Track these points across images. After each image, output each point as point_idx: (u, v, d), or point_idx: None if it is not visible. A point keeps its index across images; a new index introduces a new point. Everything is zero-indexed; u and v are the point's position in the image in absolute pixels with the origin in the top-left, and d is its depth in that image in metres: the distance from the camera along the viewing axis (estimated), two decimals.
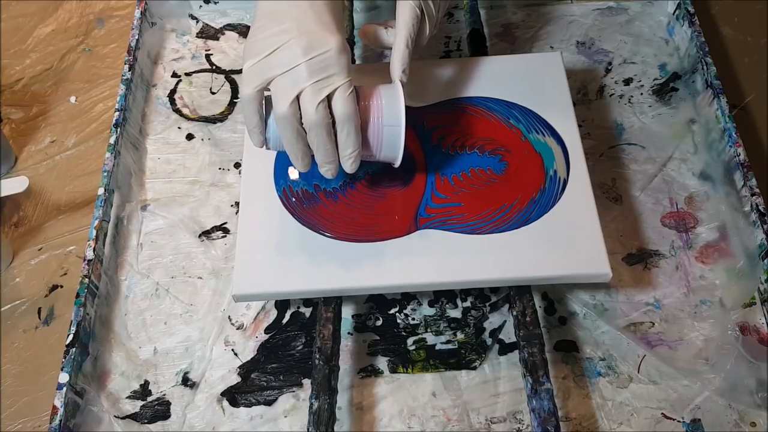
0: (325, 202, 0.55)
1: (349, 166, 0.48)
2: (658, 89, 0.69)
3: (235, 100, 0.71)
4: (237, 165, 0.67)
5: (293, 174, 0.57)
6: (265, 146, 0.49)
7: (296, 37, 0.45)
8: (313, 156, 0.48)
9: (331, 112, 0.46)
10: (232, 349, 0.57)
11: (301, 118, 0.46)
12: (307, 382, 0.55)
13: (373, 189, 0.55)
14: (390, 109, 0.49)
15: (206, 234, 0.63)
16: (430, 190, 0.55)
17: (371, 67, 0.66)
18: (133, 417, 0.55)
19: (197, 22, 0.77)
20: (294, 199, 0.56)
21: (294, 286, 0.52)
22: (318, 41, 0.45)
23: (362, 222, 0.54)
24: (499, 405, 0.54)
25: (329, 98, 0.45)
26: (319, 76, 0.45)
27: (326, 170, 0.48)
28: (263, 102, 0.47)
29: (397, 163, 0.51)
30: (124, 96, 0.67)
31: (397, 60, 0.51)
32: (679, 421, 0.52)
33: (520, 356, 0.52)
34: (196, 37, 0.76)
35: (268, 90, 0.46)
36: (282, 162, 0.57)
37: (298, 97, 0.45)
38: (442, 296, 0.58)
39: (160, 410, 0.55)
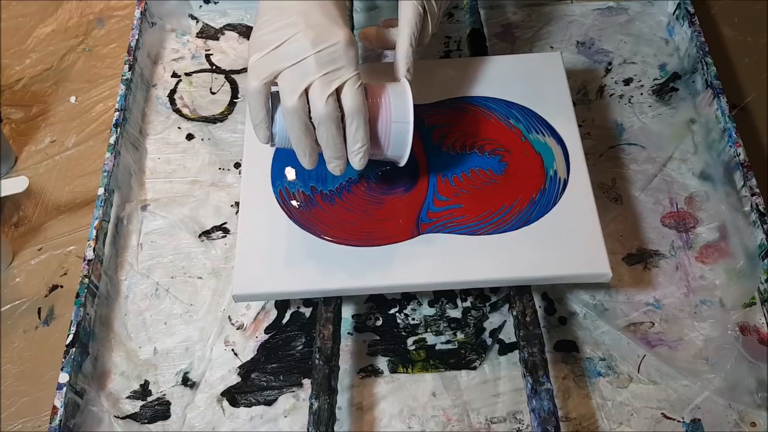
0: (322, 205, 0.55)
1: (358, 161, 0.48)
2: (658, 89, 0.69)
3: (235, 100, 0.71)
4: (237, 165, 0.67)
5: (290, 175, 0.57)
6: (270, 142, 0.49)
7: (304, 30, 0.45)
8: (318, 153, 0.48)
9: (339, 106, 0.46)
10: (232, 349, 0.57)
11: (309, 112, 0.45)
12: (307, 382, 0.55)
13: (373, 195, 0.55)
14: (398, 106, 0.49)
15: (206, 234, 0.63)
16: (432, 193, 0.55)
17: (373, 66, 0.66)
18: (133, 417, 0.55)
19: (197, 22, 0.77)
20: (291, 201, 0.55)
21: (294, 286, 0.52)
22: (326, 34, 0.45)
23: (361, 227, 0.54)
24: (499, 405, 0.54)
25: (338, 92, 0.45)
26: (328, 68, 0.45)
27: (334, 166, 0.48)
28: (270, 96, 0.47)
29: (403, 162, 0.51)
30: (124, 96, 0.67)
31: (402, 59, 0.52)
32: (679, 421, 0.52)
33: (520, 356, 0.52)
34: (196, 37, 0.76)
35: (274, 85, 0.46)
36: (279, 162, 0.57)
37: (306, 91, 0.45)
38: (442, 296, 0.58)
39: (160, 410, 0.55)
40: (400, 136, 0.49)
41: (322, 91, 0.44)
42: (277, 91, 0.46)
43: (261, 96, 0.46)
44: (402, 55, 0.51)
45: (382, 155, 0.51)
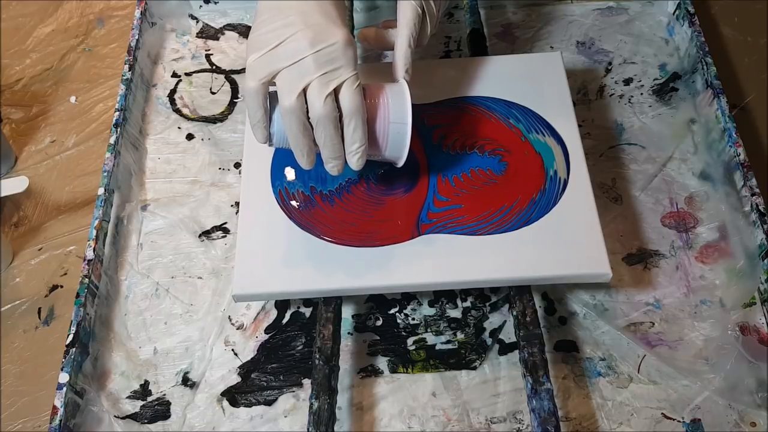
0: (322, 205, 0.55)
1: (356, 162, 0.48)
2: (658, 89, 0.69)
3: (235, 100, 0.71)
4: (237, 165, 0.67)
5: (290, 175, 0.57)
6: (268, 142, 0.49)
7: (302, 30, 0.45)
8: (317, 153, 0.48)
9: (338, 106, 0.46)
10: (232, 349, 0.57)
11: (307, 112, 0.45)
12: (307, 382, 0.55)
13: (373, 195, 0.55)
14: (396, 107, 0.49)
15: (206, 234, 0.63)
16: (432, 194, 0.55)
17: (372, 66, 0.66)
18: (133, 417, 0.55)
19: (197, 22, 0.77)
20: (290, 201, 0.55)
21: (294, 286, 0.52)
22: (324, 34, 0.45)
23: (361, 228, 0.54)
24: (499, 405, 0.54)
25: (336, 92, 0.45)
26: (326, 68, 0.45)
27: (332, 166, 0.48)
28: (268, 96, 0.47)
29: (401, 163, 0.51)
30: (124, 96, 0.67)
31: (400, 59, 0.52)
32: (679, 421, 0.52)
33: (520, 356, 0.52)
34: (196, 37, 0.76)
35: (273, 85, 0.46)
36: (279, 162, 0.57)
37: (304, 91, 0.45)
38: (442, 296, 0.58)
39: (160, 410, 0.55)
40: (398, 136, 0.49)
41: (320, 91, 0.44)
42: (275, 91, 0.46)
43: (259, 96, 0.46)
44: (400, 56, 0.51)
45: (380, 156, 0.51)
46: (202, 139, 0.69)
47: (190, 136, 0.69)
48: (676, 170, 0.64)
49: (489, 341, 0.56)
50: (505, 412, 0.53)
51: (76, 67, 0.76)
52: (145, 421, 0.55)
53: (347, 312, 0.58)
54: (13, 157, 0.70)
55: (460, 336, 0.57)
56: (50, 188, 0.68)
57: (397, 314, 0.58)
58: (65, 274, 0.63)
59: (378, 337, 0.57)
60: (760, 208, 0.57)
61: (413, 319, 0.58)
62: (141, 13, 0.72)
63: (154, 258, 0.62)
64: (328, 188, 0.56)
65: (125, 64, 0.69)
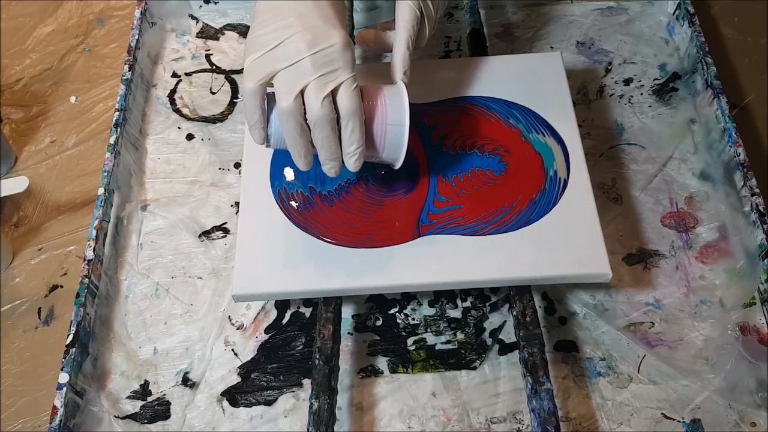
0: (321, 206, 0.55)
1: (353, 163, 0.48)
2: (658, 89, 0.69)
3: (235, 100, 0.71)
4: (237, 165, 0.67)
5: (289, 175, 0.57)
6: (266, 143, 0.49)
7: (300, 32, 0.45)
8: (314, 155, 0.48)
9: (335, 108, 0.46)
10: (232, 349, 0.57)
11: (305, 113, 0.46)
12: (307, 382, 0.55)
13: (372, 197, 0.55)
14: (394, 108, 0.49)
15: (206, 234, 0.63)
16: (432, 194, 0.55)
17: (371, 67, 0.66)
18: (133, 417, 0.55)
19: (197, 22, 0.77)
20: (290, 202, 0.55)
21: (294, 286, 0.52)
22: (322, 36, 0.45)
23: (361, 229, 0.54)
24: (499, 405, 0.54)
25: (333, 93, 0.45)
26: (324, 70, 0.45)
27: (329, 168, 0.48)
28: (266, 97, 0.47)
29: (398, 165, 0.51)
30: (124, 96, 0.67)
31: (398, 61, 0.52)
32: (679, 421, 0.52)
33: (520, 356, 0.52)
34: (196, 37, 0.76)
35: (270, 86, 0.46)
36: (278, 162, 0.57)
37: (302, 92, 0.45)
38: (442, 296, 0.58)
39: (160, 410, 0.55)
40: (395, 138, 0.49)
41: (317, 93, 0.44)
42: (273, 92, 0.46)
43: (257, 97, 0.46)
44: (399, 58, 0.51)
45: (377, 157, 0.51)
46: (202, 139, 0.69)
47: (190, 136, 0.69)
48: (676, 170, 0.64)
49: (489, 341, 0.56)
50: (505, 412, 0.53)
51: (76, 67, 0.76)
52: (145, 421, 0.55)
53: (347, 312, 0.58)
54: (13, 157, 0.70)
55: (460, 336, 0.57)
56: (50, 188, 0.68)
57: (397, 314, 0.58)
58: (65, 274, 0.63)
59: (378, 337, 0.57)
60: (760, 208, 0.57)
61: (413, 319, 0.58)
62: (141, 13, 0.72)
63: (154, 258, 0.62)
64: (327, 189, 0.56)
65: (125, 64, 0.69)
